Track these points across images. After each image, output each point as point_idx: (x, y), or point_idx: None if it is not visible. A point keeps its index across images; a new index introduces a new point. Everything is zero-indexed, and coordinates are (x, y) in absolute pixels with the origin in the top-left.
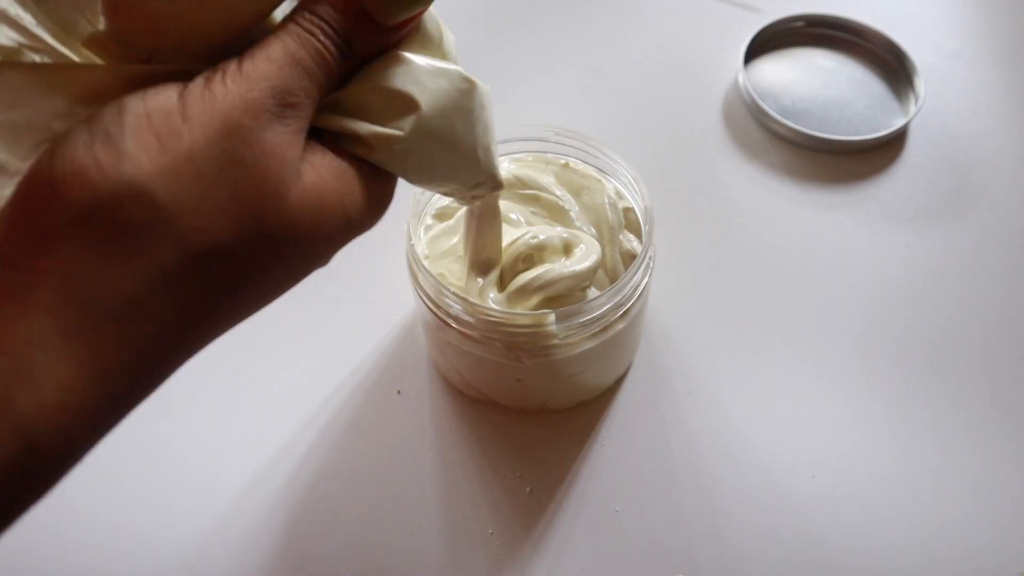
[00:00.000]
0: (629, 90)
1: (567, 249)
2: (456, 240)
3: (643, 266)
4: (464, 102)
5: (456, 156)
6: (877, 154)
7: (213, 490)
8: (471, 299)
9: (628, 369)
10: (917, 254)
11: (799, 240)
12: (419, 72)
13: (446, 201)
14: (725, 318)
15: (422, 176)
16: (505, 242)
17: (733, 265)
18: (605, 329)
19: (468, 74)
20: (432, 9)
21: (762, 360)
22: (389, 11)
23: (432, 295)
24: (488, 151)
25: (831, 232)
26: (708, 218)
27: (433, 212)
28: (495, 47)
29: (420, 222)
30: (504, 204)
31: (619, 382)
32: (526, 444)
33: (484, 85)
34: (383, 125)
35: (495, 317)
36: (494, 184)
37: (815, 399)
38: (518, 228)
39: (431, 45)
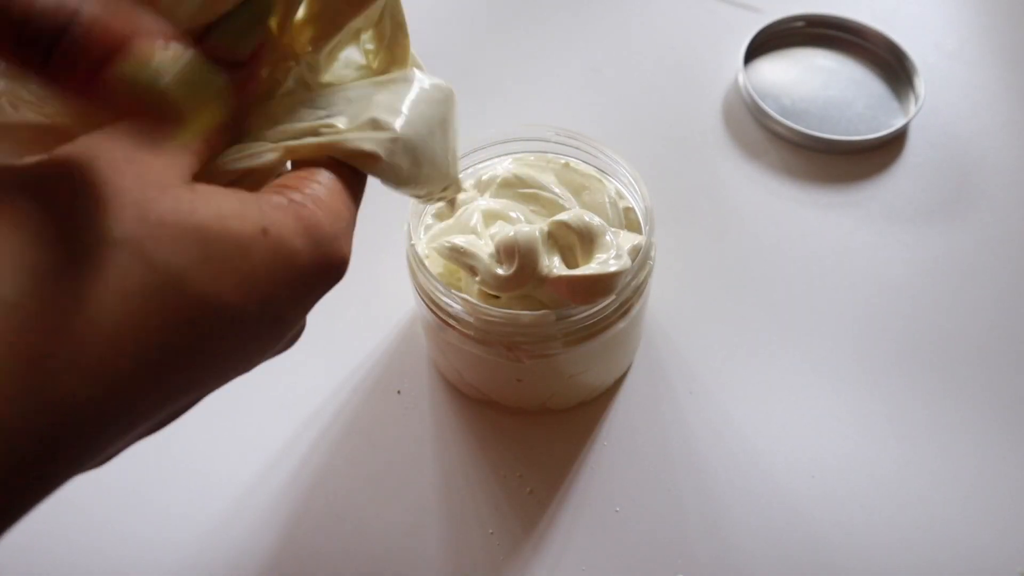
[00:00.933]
0: (629, 90)
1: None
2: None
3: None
4: (443, 110)
5: (435, 159)
6: (877, 154)
7: (214, 490)
8: (471, 299)
9: (628, 369)
10: (917, 254)
11: (799, 240)
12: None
13: None
14: (725, 318)
15: (407, 183)
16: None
17: (733, 265)
18: (605, 329)
19: (440, 80)
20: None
21: (762, 360)
22: (238, 47)
23: (432, 295)
24: (456, 156)
25: (831, 232)
26: (708, 218)
27: (433, 212)
28: (495, 47)
29: (420, 222)
30: (504, 203)
31: (619, 382)
32: (526, 444)
33: (451, 86)
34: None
35: (495, 317)
36: (457, 188)
37: (815, 399)
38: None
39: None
